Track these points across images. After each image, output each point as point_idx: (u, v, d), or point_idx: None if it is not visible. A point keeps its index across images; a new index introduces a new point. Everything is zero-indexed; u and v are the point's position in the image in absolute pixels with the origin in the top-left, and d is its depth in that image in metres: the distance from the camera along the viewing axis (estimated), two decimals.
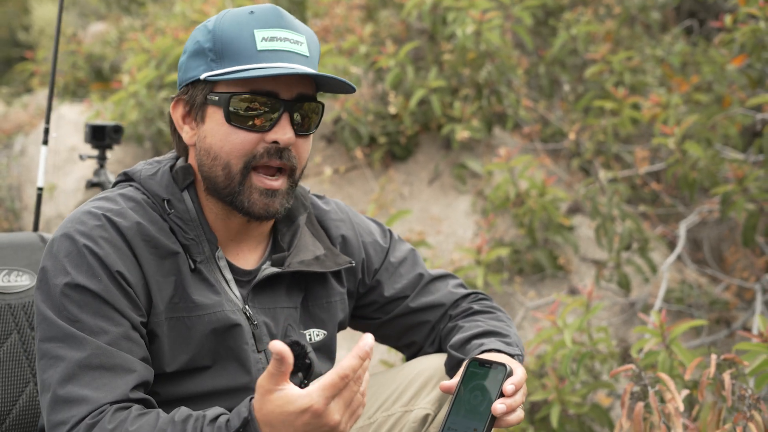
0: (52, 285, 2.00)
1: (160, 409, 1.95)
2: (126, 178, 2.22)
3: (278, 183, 2.11)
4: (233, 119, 2.07)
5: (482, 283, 4.70)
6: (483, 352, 2.19)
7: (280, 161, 2.09)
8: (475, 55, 5.29)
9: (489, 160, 5.38)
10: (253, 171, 2.09)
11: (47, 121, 3.45)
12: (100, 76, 7.80)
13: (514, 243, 5.07)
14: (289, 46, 2.08)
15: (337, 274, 2.35)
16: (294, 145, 2.11)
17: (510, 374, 2.02)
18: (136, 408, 1.92)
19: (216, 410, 1.90)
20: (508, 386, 1.99)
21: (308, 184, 5.62)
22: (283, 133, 2.07)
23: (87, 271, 1.99)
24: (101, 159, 4.31)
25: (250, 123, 2.07)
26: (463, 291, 2.48)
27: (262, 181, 2.09)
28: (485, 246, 4.87)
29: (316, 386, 1.77)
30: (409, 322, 2.43)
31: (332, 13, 5.89)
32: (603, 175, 4.95)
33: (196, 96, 2.12)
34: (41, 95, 8.12)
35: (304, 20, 5.76)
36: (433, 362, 2.29)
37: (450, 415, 1.99)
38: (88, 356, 1.94)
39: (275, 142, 2.08)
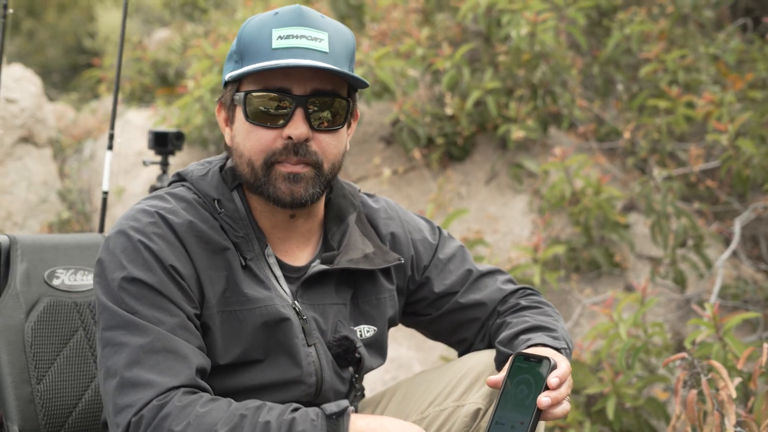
0: (110, 279, 2.06)
1: (231, 400, 2.00)
2: (179, 178, 2.29)
3: (300, 167, 2.12)
4: (251, 116, 2.12)
5: (539, 280, 4.79)
6: (530, 346, 2.20)
7: (297, 157, 2.11)
8: (529, 56, 5.38)
9: (545, 160, 5.46)
10: (276, 164, 2.12)
11: (112, 127, 3.55)
12: (166, 82, 7.98)
13: (570, 241, 5.15)
14: (305, 43, 2.10)
15: (386, 272, 2.38)
16: (315, 141, 2.13)
17: (554, 367, 2.04)
18: (207, 395, 1.98)
19: (297, 404, 1.98)
20: (552, 379, 2.01)
21: (368, 185, 5.76)
22: (296, 128, 2.09)
23: (142, 265, 2.06)
24: (164, 165, 4.42)
25: (266, 120, 2.11)
26: (511, 287, 2.49)
27: (284, 166, 2.12)
28: (542, 244, 4.96)
29: None
30: (459, 318, 2.45)
31: (389, 18, 6.00)
32: (657, 173, 5.01)
33: (227, 98, 2.20)
34: (108, 101, 8.32)
35: (361, 25, 5.88)
36: (484, 358, 2.30)
37: (498, 409, 2.02)
38: (151, 341, 1.99)
39: (290, 137, 2.10)
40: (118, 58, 3.53)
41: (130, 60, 8.20)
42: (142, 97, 8.10)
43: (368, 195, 2.48)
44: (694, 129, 5.75)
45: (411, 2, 5.94)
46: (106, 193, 3.59)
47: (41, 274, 2.57)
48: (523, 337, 2.25)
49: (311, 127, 2.12)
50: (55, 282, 2.57)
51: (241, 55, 2.14)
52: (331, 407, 1.91)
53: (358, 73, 5.36)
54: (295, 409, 1.94)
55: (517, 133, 5.35)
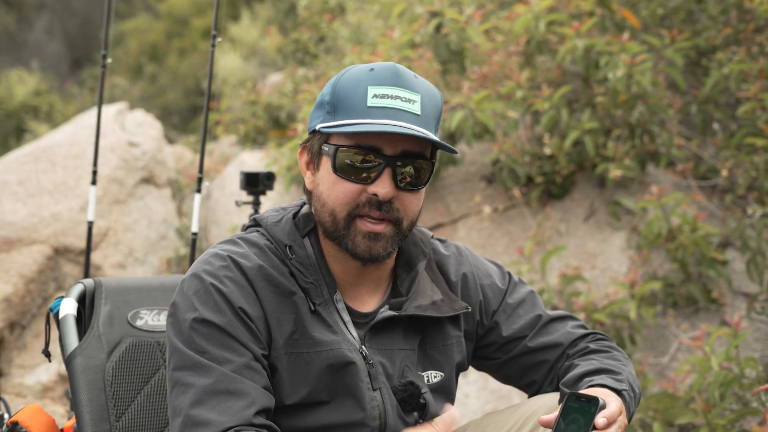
0: (182, 320, 2.15)
1: None
2: (255, 223, 2.37)
3: (381, 227, 2.19)
4: (339, 170, 2.17)
5: (635, 315, 4.90)
6: (590, 387, 2.23)
7: (380, 212, 2.17)
8: (626, 97, 5.51)
9: (643, 197, 5.57)
10: (358, 218, 2.19)
11: (200, 171, 3.66)
12: (278, 125, 8.27)
13: (668, 277, 5.24)
14: (399, 104, 2.15)
15: (453, 318, 2.40)
16: (398, 199, 2.19)
17: (603, 407, 2.06)
18: None
19: None
20: (600, 419, 2.04)
21: (469, 223, 5.95)
22: (383, 187, 2.15)
23: (213, 307, 2.14)
24: (255, 204, 4.55)
25: (354, 175, 2.17)
26: (582, 331, 2.49)
27: (365, 224, 2.18)
28: (638, 280, 5.08)
29: None
30: (528, 361, 2.45)
31: (490, 61, 6.19)
32: (753, 210, 5.08)
33: (314, 145, 2.25)
34: (225, 143, 8.70)
35: (462, 68, 6.08)
36: (548, 400, 2.31)
37: None
38: (214, 382, 2.08)
39: (375, 195, 2.16)
40: (205, 105, 3.76)
41: (244, 103, 8.55)
42: (255, 139, 8.42)
43: (440, 240, 2.52)
44: None
45: (511, 46, 6.12)
46: (195, 234, 3.71)
47: (125, 315, 2.65)
48: (587, 379, 2.27)
49: (397, 186, 2.17)
50: (139, 323, 2.66)
51: (334, 107, 2.19)
52: None
53: (458, 115, 5.57)
54: None
55: (614, 172, 5.48)
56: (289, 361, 2.19)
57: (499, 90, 5.94)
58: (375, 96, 2.15)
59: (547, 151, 5.71)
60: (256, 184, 4.55)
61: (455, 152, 2.21)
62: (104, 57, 3.86)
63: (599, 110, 5.69)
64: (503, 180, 5.81)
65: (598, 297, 5.28)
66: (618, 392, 2.21)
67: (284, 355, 2.19)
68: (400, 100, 2.16)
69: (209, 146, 8.82)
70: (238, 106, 9.26)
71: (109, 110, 7.45)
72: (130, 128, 7.25)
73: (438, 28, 6.04)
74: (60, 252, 6.30)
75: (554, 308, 5.23)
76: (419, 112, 2.17)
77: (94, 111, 8.02)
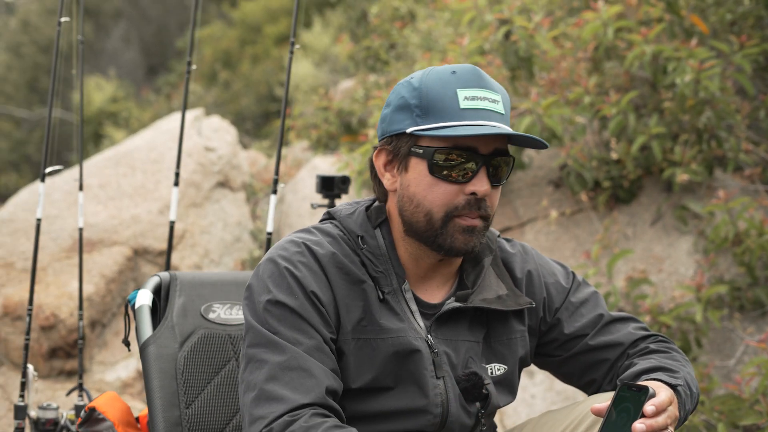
0: (256, 302, 2.23)
1: (355, 429, 2.10)
2: (329, 216, 2.44)
3: (477, 222, 2.26)
4: (436, 171, 2.23)
5: (701, 318, 4.95)
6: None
7: (479, 211, 2.25)
8: (694, 102, 5.55)
9: (710, 202, 5.61)
10: (456, 217, 2.25)
11: (276, 173, 3.78)
12: (349, 130, 8.38)
13: (734, 281, 5.28)
14: (488, 105, 2.23)
15: (518, 314, 2.44)
16: (488, 196, 2.25)
17: (652, 396, 2.08)
18: (333, 420, 2.10)
19: None
20: (648, 407, 2.05)
21: (537, 226, 6.03)
22: (481, 185, 2.22)
23: (286, 290, 2.22)
24: (330, 207, 4.66)
25: (452, 176, 2.23)
26: (643, 332, 2.51)
27: (465, 220, 2.25)
28: (705, 283, 5.12)
29: None
30: (588, 360, 2.49)
31: (558, 67, 6.27)
32: None
33: (401, 147, 2.28)
34: (297, 147, 8.87)
35: (531, 75, 6.17)
36: (607, 398, 2.25)
37: None
38: (288, 359, 2.14)
39: (473, 193, 2.23)
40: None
41: (317, 109, 8.72)
42: (327, 144, 8.56)
43: (506, 240, 2.57)
44: None
45: (579, 52, 6.19)
46: (270, 234, 3.84)
47: (198, 308, 2.72)
48: (644, 376, 2.30)
49: (490, 184, 2.25)
50: (211, 315, 2.72)
51: (424, 111, 2.24)
52: None
53: (526, 121, 5.66)
54: None
55: (682, 176, 5.52)
56: (357, 346, 2.25)
57: (567, 96, 6.02)
58: (466, 98, 2.22)
59: (615, 155, 5.77)
60: (331, 187, 4.62)
61: (546, 146, 2.28)
62: (189, 63, 4.06)
63: (667, 115, 5.74)
64: (571, 184, 5.88)
65: (664, 300, 5.33)
66: (673, 387, 2.23)
67: (352, 340, 2.25)
68: (488, 101, 2.24)
69: (283, 151, 8.99)
70: (310, 112, 9.43)
71: (187, 116, 7.65)
72: (207, 133, 7.46)
73: (507, 35, 6.13)
74: (139, 253, 6.52)
75: (620, 311, 5.28)
76: (503, 111, 2.27)
77: (171, 117, 8.25)
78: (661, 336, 2.51)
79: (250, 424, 2.13)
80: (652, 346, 2.45)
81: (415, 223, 2.28)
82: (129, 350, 2.84)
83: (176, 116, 7.83)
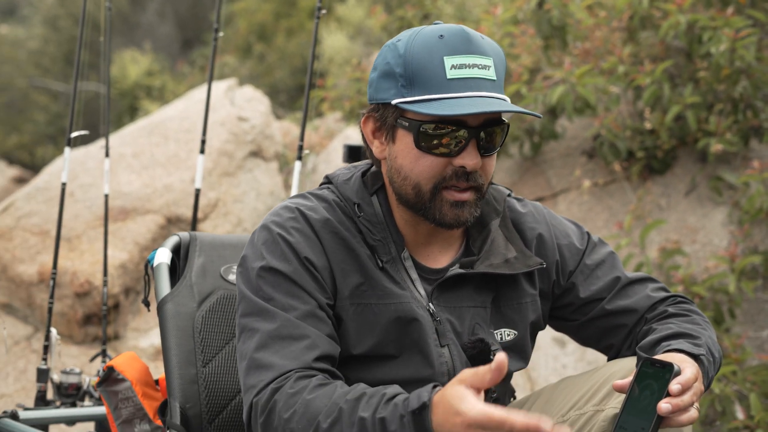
0: (250, 268, 2.20)
1: (341, 381, 2.06)
2: (327, 181, 2.38)
3: (467, 195, 2.19)
4: (423, 144, 2.15)
5: (735, 289, 4.92)
6: (667, 352, 2.16)
7: (467, 183, 2.17)
8: (729, 72, 5.49)
9: (745, 172, 5.56)
10: (444, 189, 2.18)
11: (301, 139, 3.75)
12: None
13: None
14: (478, 73, 2.13)
15: (528, 276, 2.37)
16: (481, 166, 2.18)
17: (677, 374, 2.00)
18: (317, 378, 2.06)
19: (395, 389, 1.98)
20: (674, 386, 1.98)
21: (569, 197, 6.01)
22: (470, 158, 2.14)
23: (280, 256, 2.18)
24: None
25: (438, 149, 2.15)
26: (661, 294, 2.44)
27: (452, 194, 2.18)
28: (739, 254, 5.09)
29: (485, 407, 1.79)
30: (605, 324, 2.42)
31: (592, 37, 6.23)
32: None
33: (387, 117, 2.20)
34: (330, 119, 8.88)
35: (564, 44, 6.13)
36: (626, 364, 2.25)
37: (622, 414, 2.02)
38: (278, 327, 2.12)
39: (462, 166, 2.15)
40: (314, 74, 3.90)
41: (350, 81, 8.72)
42: (360, 115, 8.55)
43: (518, 199, 2.49)
44: None
45: (614, 21, 6.14)
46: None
47: (217, 269, 2.70)
48: (664, 343, 2.22)
49: (481, 154, 2.17)
50: (231, 277, 2.69)
51: (409, 81, 2.14)
52: (413, 401, 1.89)
53: (559, 90, 5.63)
54: (390, 399, 1.94)
55: (716, 147, 5.48)
56: (356, 311, 2.21)
57: (600, 65, 5.98)
58: (453, 67, 2.12)
59: (649, 125, 5.73)
60: (358, 156, 4.60)
61: (540, 117, 2.19)
62: (216, 30, 4.09)
63: (702, 85, 5.69)
64: (604, 154, 5.85)
65: (697, 271, 5.30)
66: (695, 357, 2.15)
67: (350, 305, 2.21)
68: (477, 68, 2.13)
69: (316, 122, 9.02)
70: (343, 84, 9.44)
71: (220, 86, 7.70)
72: (240, 103, 7.48)
73: (540, 4, 6.10)
74: (172, 221, 6.56)
75: None
76: (494, 77, 2.15)
77: (204, 87, 8.28)
78: (680, 296, 2.45)
79: (244, 393, 2.13)
80: (671, 310, 2.38)
81: (404, 195, 2.23)
82: (149, 310, 2.82)
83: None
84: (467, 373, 1.82)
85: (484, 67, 2.14)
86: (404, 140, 2.19)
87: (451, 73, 2.11)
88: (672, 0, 5.76)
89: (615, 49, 5.98)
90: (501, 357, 1.76)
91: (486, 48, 2.16)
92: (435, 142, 2.14)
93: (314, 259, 2.20)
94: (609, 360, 2.45)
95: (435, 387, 1.89)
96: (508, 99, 2.18)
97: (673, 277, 5.13)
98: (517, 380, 5.32)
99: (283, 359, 2.08)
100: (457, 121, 2.13)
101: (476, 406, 1.78)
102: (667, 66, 5.69)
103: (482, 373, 1.79)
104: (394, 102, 2.17)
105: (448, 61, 2.12)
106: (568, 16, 6.04)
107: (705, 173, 5.78)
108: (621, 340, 2.42)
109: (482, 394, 1.82)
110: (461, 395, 1.80)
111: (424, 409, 1.86)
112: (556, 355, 5.42)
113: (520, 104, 6.02)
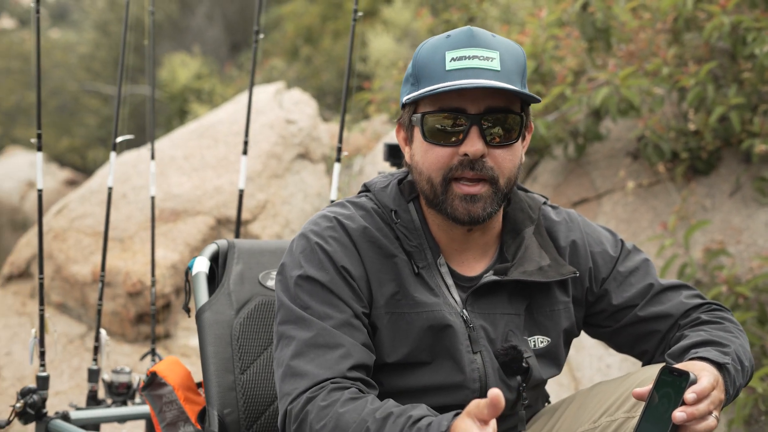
0: (288, 276, 2.25)
1: (373, 396, 2.09)
2: (365, 189, 2.43)
3: (477, 188, 2.21)
4: (428, 136, 2.21)
5: None
6: (692, 359, 2.18)
7: (473, 172, 2.19)
8: None
9: None
10: (454, 181, 2.21)
11: (340, 140, 3.78)
12: None
13: None
14: (477, 63, 2.16)
15: (561, 284, 2.40)
16: (491, 157, 2.20)
17: (693, 382, 2.02)
18: (351, 391, 2.08)
19: (421, 410, 2.00)
20: (689, 395, 1.99)
21: (614, 198, 6.04)
22: (472, 145, 2.17)
23: (317, 265, 2.23)
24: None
25: (443, 138, 2.20)
26: (696, 301, 2.45)
27: (461, 187, 2.21)
28: None
29: None
30: (639, 331, 2.44)
31: (637, 39, 6.25)
32: None
33: (405, 119, 2.30)
34: (377, 121, 8.97)
35: (608, 46, 6.17)
36: (657, 372, 2.18)
37: (641, 421, 2.03)
38: (314, 336, 2.16)
39: (466, 154, 2.19)
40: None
41: (396, 83, 8.80)
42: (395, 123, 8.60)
43: (552, 207, 2.52)
44: None
45: (658, 23, 6.16)
46: (333, 201, 3.93)
47: (255, 276, 2.73)
48: (693, 351, 2.23)
49: (486, 144, 2.19)
50: (269, 283, 2.73)
51: (416, 78, 2.23)
52: (434, 428, 1.92)
53: (603, 92, 5.67)
54: (415, 422, 1.96)
55: (761, 147, 5.48)
56: (391, 320, 2.24)
57: (645, 67, 6.01)
58: (453, 59, 2.17)
59: (693, 126, 5.75)
60: (398, 155, 4.66)
61: (538, 100, 2.22)
62: (257, 32, 4.21)
63: (746, 86, 5.70)
64: (648, 155, 5.88)
65: (741, 271, 5.32)
66: (720, 366, 2.16)
67: (385, 314, 2.25)
68: (478, 59, 2.17)
69: (362, 124, 9.11)
70: (389, 86, 9.52)
71: (268, 89, 7.81)
72: (288, 106, 7.59)
73: (585, 6, 6.14)
74: (222, 222, 6.68)
75: (697, 282, 5.30)
76: (499, 68, 2.18)
77: (253, 91, 8.40)
78: (715, 304, 2.45)
79: (280, 400, 2.17)
80: (704, 317, 2.39)
81: (423, 191, 2.28)
82: (189, 316, 2.87)
83: (257, 90, 7.98)
84: (472, 405, 1.86)
85: (486, 58, 2.18)
86: (418, 136, 2.25)
87: (450, 65, 2.18)
88: (716, 1, 5.78)
89: (659, 51, 6.00)
90: (494, 393, 1.81)
91: (491, 42, 2.21)
92: (438, 131, 2.20)
93: (351, 268, 2.24)
94: (643, 365, 2.47)
95: (456, 415, 1.92)
96: (517, 88, 2.20)
97: (718, 277, 5.16)
98: (561, 380, 5.38)
99: (317, 368, 2.13)
100: (456, 110, 2.18)
101: None
102: (712, 67, 5.71)
103: (482, 406, 1.83)
104: (403, 100, 2.28)
105: (449, 55, 2.19)
106: (612, 19, 6.08)
107: (749, 174, 5.79)
108: (654, 346, 2.45)
109: (493, 422, 1.85)
110: (465, 428, 1.85)
111: None
112: (600, 355, 5.47)
113: (564, 106, 6.07)
